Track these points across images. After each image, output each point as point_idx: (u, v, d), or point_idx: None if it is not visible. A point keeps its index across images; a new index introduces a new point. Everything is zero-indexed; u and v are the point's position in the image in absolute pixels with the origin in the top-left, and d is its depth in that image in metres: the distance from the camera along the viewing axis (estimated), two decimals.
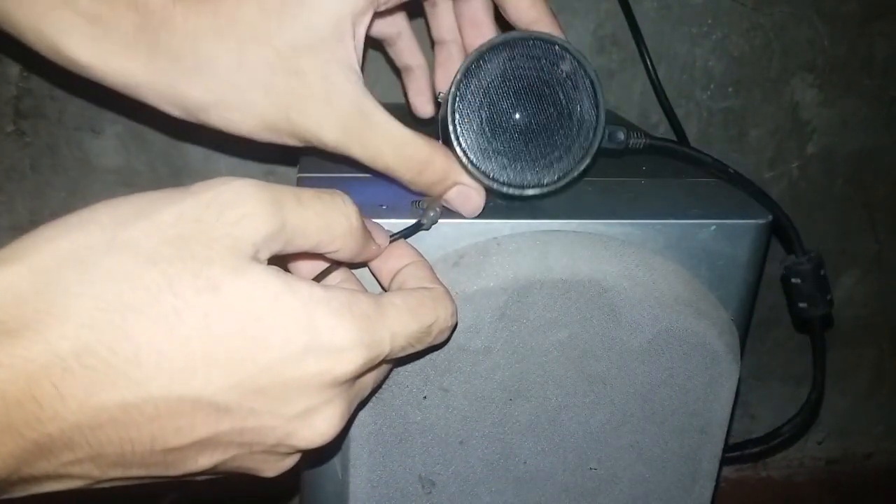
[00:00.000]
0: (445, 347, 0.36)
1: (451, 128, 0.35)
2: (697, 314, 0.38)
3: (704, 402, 0.40)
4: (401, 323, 0.27)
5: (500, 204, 0.38)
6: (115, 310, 0.22)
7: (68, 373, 0.21)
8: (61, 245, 0.22)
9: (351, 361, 0.25)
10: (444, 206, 0.36)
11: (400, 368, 0.36)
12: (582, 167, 0.36)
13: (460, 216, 0.36)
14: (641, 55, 0.65)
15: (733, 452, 0.49)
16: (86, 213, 0.23)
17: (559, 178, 0.36)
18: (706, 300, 0.39)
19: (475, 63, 0.34)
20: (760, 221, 0.39)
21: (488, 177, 0.35)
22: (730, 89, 0.69)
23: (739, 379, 0.40)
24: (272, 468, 0.27)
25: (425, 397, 0.37)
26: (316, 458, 0.37)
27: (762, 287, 0.43)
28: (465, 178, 0.35)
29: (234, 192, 0.24)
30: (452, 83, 0.35)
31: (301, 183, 0.40)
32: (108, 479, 0.24)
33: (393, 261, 0.32)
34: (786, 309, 0.80)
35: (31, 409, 0.21)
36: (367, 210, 0.35)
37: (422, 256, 0.33)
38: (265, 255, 0.25)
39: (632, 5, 0.63)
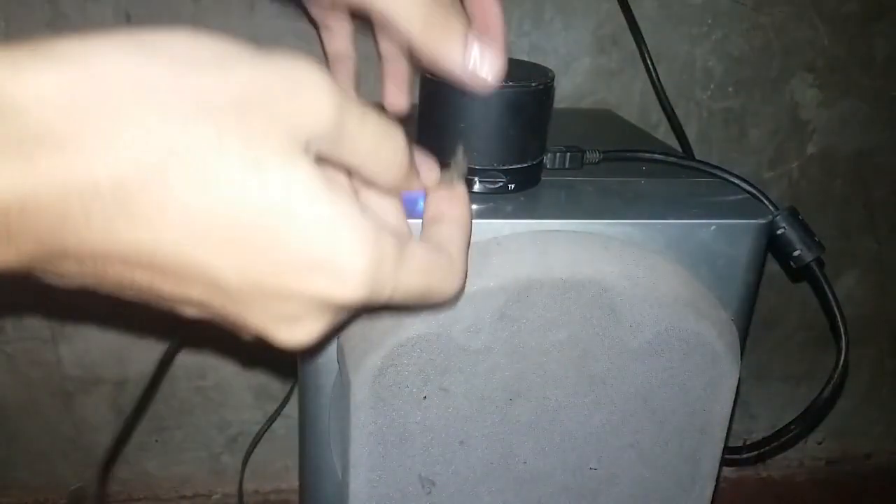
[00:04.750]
0: (445, 347, 0.36)
1: None
2: (697, 314, 0.38)
3: (704, 402, 0.40)
4: (410, 277, 0.27)
5: (500, 204, 0.38)
6: (160, 152, 0.21)
7: (99, 200, 0.21)
8: (128, 63, 0.21)
9: (353, 293, 0.25)
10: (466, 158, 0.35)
11: (400, 368, 0.36)
12: None
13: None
14: (642, 55, 0.65)
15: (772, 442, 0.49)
16: (162, 39, 0.22)
17: None
18: (706, 300, 0.39)
19: None
20: (760, 221, 0.39)
21: None
22: (730, 89, 0.69)
23: (739, 379, 0.40)
24: (250, 336, 0.28)
25: (425, 397, 0.37)
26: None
27: (762, 287, 0.43)
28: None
29: (310, 78, 0.23)
30: None
31: None
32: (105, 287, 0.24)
33: (442, 204, 0.32)
34: (786, 309, 0.80)
35: (55, 222, 0.21)
36: None
37: (469, 216, 0.32)
38: (314, 149, 0.24)
39: (632, 5, 0.63)
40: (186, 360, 0.72)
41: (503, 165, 0.38)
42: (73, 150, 0.20)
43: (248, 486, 0.80)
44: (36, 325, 0.68)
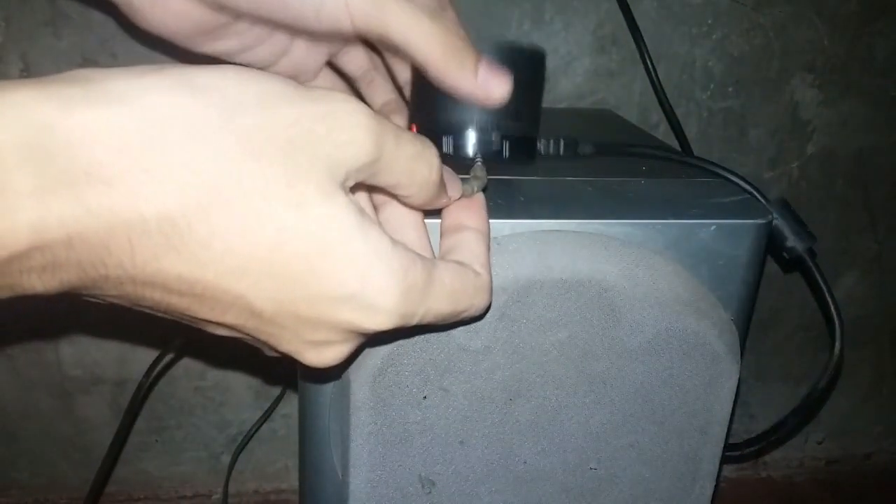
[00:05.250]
0: (446, 347, 0.36)
1: None
2: (697, 314, 0.38)
3: (704, 402, 0.40)
4: (438, 303, 0.28)
5: (500, 204, 0.38)
6: (208, 191, 0.22)
7: (146, 234, 0.22)
8: (178, 104, 0.22)
9: (381, 324, 0.26)
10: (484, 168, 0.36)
11: (400, 368, 0.36)
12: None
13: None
14: (641, 55, 0.65)
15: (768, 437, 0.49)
16: (210, 76, 0.23)
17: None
18: (706, 300, 0.39)
19: None
20: (760, 221, 0.39)
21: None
22: (730, 89, 0.69)
23: (739, 379, 0.40)
24: (276, 354, 0.29)
25: (425, 397, 0.37)
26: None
27: (762, 287, 0.43)
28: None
29: (349, 114, 0.24)
30: None
31: None
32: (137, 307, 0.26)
33: (461, 213, 0.32)
34: (786, 309, 0.80)
35: (100, 254, 0.22)
36: None
37: (487, 225, 0.33)
38: (351, 182, 0.26)
39: (631, 5, 0.63)
40: (186, 360, 0.72)
41: (497, 128, 0.38)
42: (122, 187, 0.21)
43: (249, 486, 0.80)
44: (36, 326, 0.68)
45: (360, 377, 0.36)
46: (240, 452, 0.75)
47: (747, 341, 0.43)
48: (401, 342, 0.36)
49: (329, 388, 0.40)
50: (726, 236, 0.38)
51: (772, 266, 0.75)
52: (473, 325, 0.36)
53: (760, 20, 0.67)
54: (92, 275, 0.22)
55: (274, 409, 0.74)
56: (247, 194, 0.23)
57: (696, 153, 0.68)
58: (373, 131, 0.25)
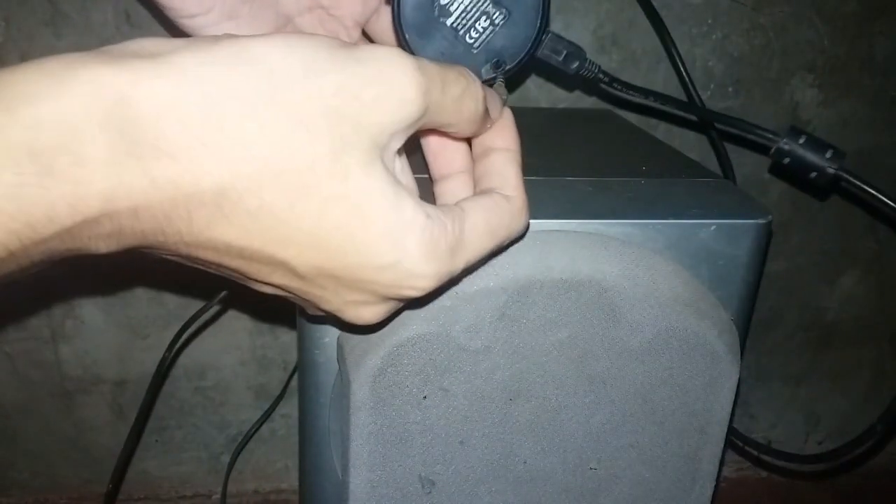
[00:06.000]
0: (445, 347, 0.36)
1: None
2: (697, 314, 0.38)
3: (704, 402, 0.40)
4: (477, 248, 0.29)
5: None
6: (258, 165, 0.23)
7: (203, 206, 0.23)
8: (232, 77, 0.23)
9: (420, 290, 0.27)
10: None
11: (400, 368, 0.36)
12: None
13: None
14: (667, 48, 0.63)
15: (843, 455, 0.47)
16: (260, 48, 0.24)
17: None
18: (706, 300, 0.39)
19: None
20: (760, 221, 0.39)
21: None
22: (730, 89, 0.69)
23: (739, 379, 0.40)
24: (319, 312, 0.30)
25: (425, 397, 0.37)
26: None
27: (762, 287, 0.43)
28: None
29: (395, 72, 0.25)
30: None
31: None
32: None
33: (488, 136, 0.32)
34: (786, 309, 0.80)
35: (161, 223, 0.23)
36: None
37: (516, 142, 0.32)
38: (397, 144, 0.26)
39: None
40: (186, 360, 0.72)
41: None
42: (184, 161, 0.22)
43: (248, 486, 0.80)
44: (36, 325, 0.68)
45: (360, 377, 0.36)
46: (239, 453, 0.74)
47: (747, 341, 0.43)
48: (401, 342, 0.36)
49: (329, 388, 0.40)
50: (726, 236, 0.38)
51: (772, 266, 0.75)
52: (473, 325, 0.36)
53: (760, 20, 0.67)
54: (151, 240, 0.24)
55: (274, 409, 0.74)
56: (296, 168, 0.23)
57: (696, 153, 0.68)
58: (420, 86, 0.25)
